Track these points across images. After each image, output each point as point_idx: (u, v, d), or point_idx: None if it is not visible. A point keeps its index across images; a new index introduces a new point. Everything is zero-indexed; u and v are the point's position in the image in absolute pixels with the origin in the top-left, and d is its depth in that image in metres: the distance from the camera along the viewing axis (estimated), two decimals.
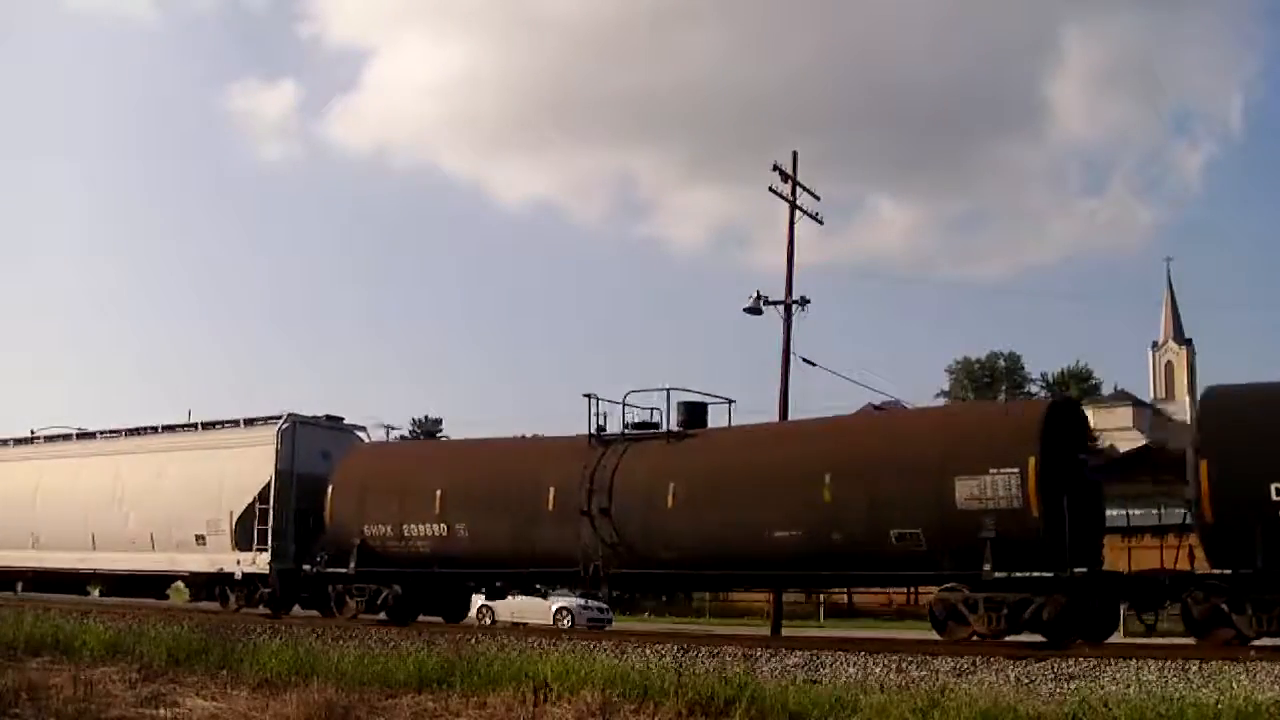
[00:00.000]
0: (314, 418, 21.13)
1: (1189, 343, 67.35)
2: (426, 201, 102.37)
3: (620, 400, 17.35)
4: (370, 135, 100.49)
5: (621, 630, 17.17)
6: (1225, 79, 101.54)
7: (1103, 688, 10.38)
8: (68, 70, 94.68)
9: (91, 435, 23.72)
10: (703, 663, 12.74)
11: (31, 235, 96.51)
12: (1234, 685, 9.99)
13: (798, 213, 26.72)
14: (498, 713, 9.34)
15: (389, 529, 18.32)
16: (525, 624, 21.37)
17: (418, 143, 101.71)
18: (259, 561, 19.39)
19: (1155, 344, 68.41)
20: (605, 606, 26.80)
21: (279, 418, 20.50)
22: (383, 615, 18.30)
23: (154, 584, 22.62)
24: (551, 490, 16.77)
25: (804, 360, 24.72)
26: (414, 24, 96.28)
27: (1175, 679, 10.76)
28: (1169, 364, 67.50)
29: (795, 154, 26.93)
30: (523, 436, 20.92)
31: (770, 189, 26.37)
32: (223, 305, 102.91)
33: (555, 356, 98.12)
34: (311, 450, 20.39)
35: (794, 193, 26.63)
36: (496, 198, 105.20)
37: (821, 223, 27.68)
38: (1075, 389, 62.13)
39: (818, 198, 27.29)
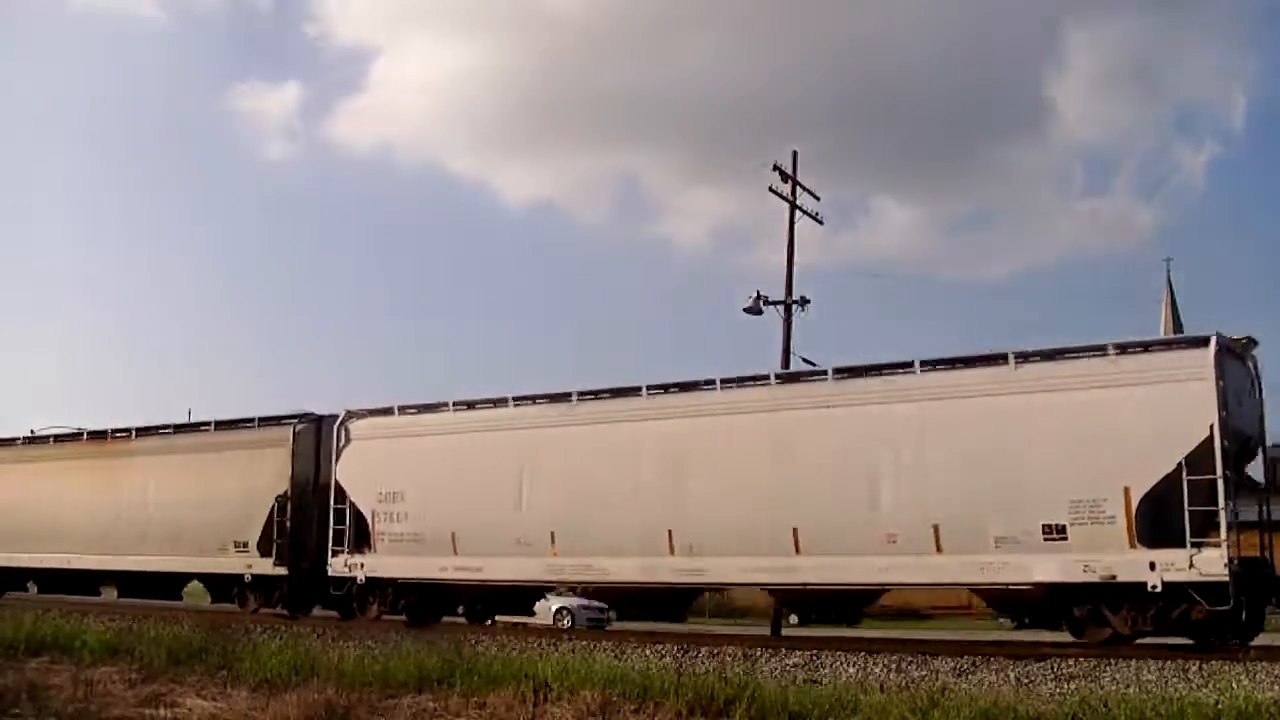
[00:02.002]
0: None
1: None
2: (429, 201, 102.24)
3: None
4: (374, 135, 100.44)
5: (621, 630, 17.18)
6: (1228, 79, 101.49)
7: (1103, 688, 10.38)
8: (72, 70, 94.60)
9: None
10: (703, 663, 12.74)
11: (33, 235, 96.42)
12: (1234, 685, 9.99)
13: (798, 213, 26.80)
14: (498, 713, 9.34)
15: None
16: (525, 624, 21.32)
17: (421, 143, 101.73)
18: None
19: None
20: (605, 606, 26.78)
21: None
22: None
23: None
24: None
25: (804, 360, 24.73)
26: (419, 24, 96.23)
27: (1175, 679, 10.76)
28: None
29: (795, 154, 27.02)
30: None
31: (770, 189, 26.43)
32: (224, 305, 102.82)
33: (555, 356, 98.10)
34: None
35: (794, 193, 26.67)
36: (500, 198, 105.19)
37: (822, 223, 27.76)
38: None
39: (818, 198, 27.36)
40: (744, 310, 26.16)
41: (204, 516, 20.33)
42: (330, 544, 18.78)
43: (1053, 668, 11.66)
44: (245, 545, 19.78)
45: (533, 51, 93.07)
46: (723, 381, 15.73)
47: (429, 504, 17.83)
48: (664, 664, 12.27)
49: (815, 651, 13.41)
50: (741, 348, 72.17)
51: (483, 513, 17.20)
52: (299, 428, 20.01)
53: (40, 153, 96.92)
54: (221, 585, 21.18)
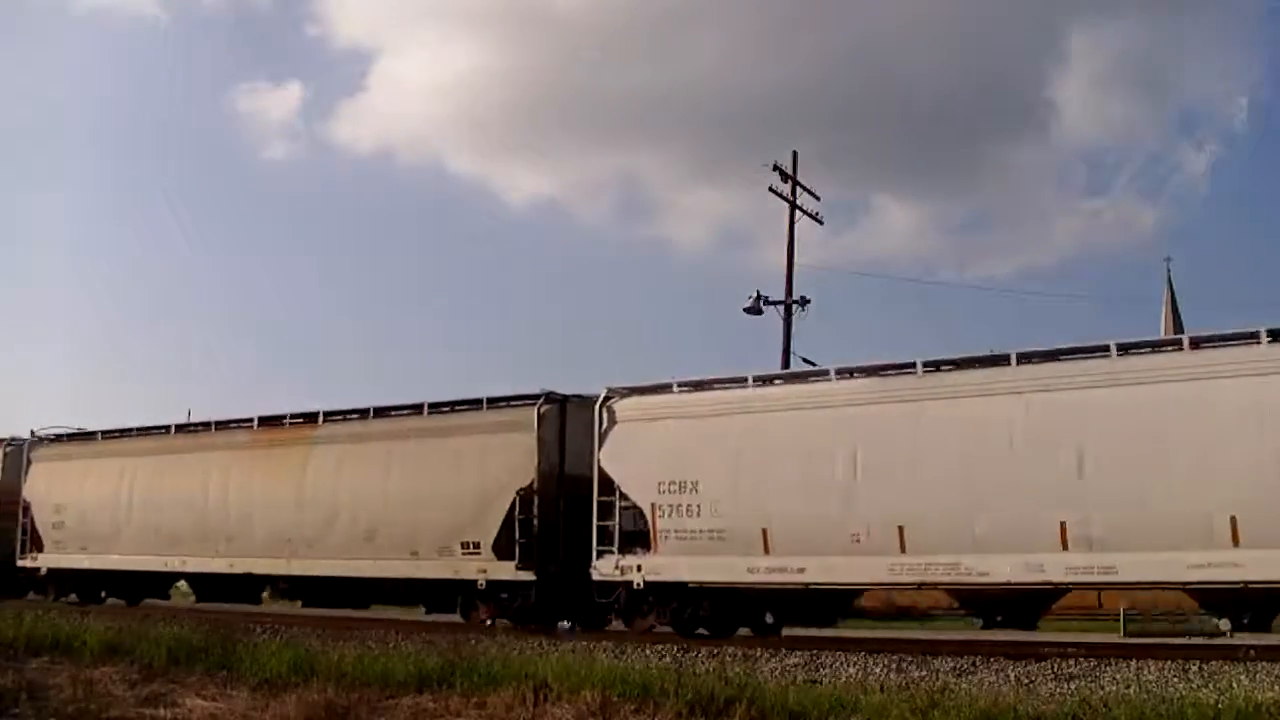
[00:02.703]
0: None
1: None
2: (430, 202, 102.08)
3: None
4: (375, 136, 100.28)
5: (621, 630, 17.14)
6: (1231, 80, 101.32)
7: (1103, 688, 10.37)
8: (73, 70, 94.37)
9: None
10: (703, 663, 12.73)
11: (33, 234, 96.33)
12: (1234, 685, 9.99)
13: (799, 213, 26.84)
14: (498, 713, 9.34)
15: None
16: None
17: (423, 143, 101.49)
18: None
19: None
20: None
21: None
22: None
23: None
24: None
25: (804, 360, 24.77)
26: (420, 24, 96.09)
27: (1175, 679, 10.76)
28: None
29: (795, 154, 27.14)
30: None
31: (770, 189, 26.50)
32: (224, 305, 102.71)
33: (557, 357, 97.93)
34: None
35: (794, 193, 26.75)
36: (502, 198, 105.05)
37: (822, 223, 27.89)
38: None
39: (818, 198, 27.47)
40: (744, 310, 26.24)
41: (417, 514, 17.80)
42: (595, 544, 16.28)
43: (1053, 668, 11.66)
44: (476, 547, 17.12)
45: (534, 51, 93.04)
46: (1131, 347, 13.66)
47: (732, 495, 15.31)
48: (664, 664, 12.27)
49: (815, 651, 13.42)
50: (743, 347, 72.19)
51: (803, 505, 14.77)
52: (544, 409, 17.17)
53: (41, 153, 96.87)
54: (440, 593, 18.37)
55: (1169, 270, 67.92)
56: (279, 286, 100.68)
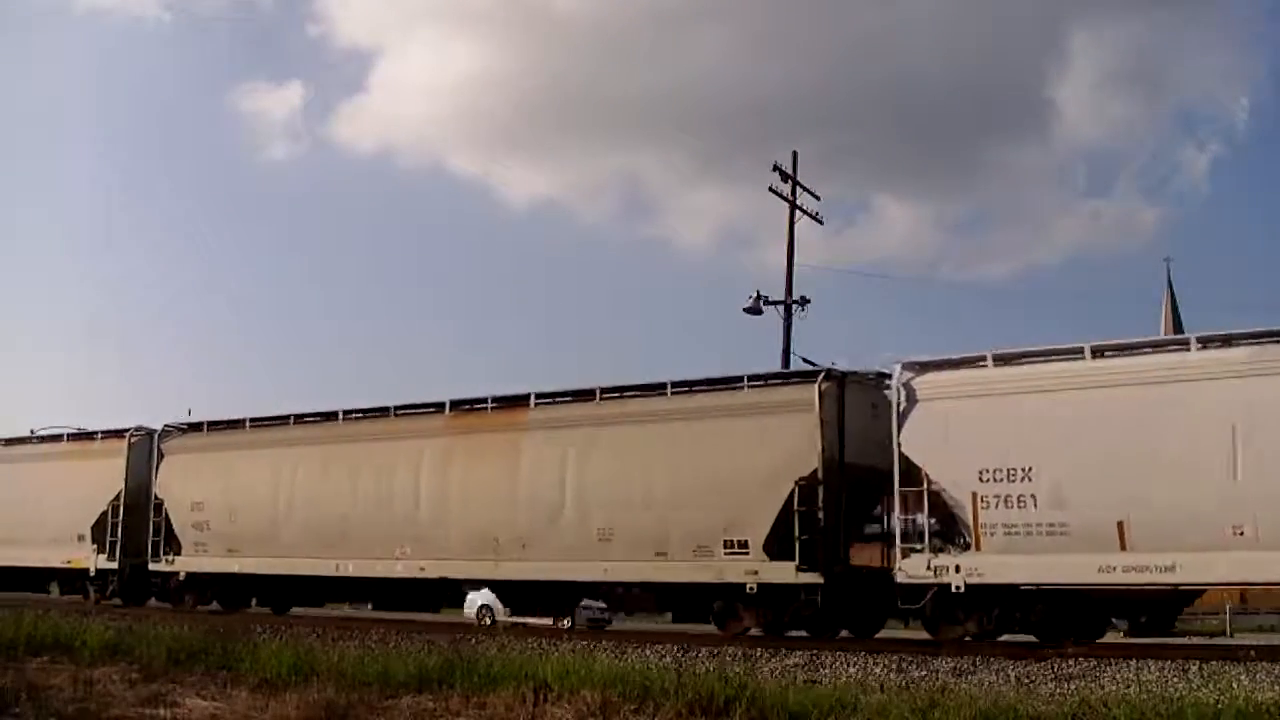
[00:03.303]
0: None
1: None
2: (431, 202, 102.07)
3: None
4: (376, 136, 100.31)
5: (621, 630, 17.12)
6: (1232, 80, 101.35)
7: (1103, 688, 10.38)
8: (76, 70, 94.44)
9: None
10: (703, 663, 12.72)
11: (35, 234, 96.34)
12: (1234, 685, 9.99)
13: (799, 212, 26.85)
14: (498, 713, 9.33)
15: None
16: (525, 624, 21.28)
17: (424, 143, 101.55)
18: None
19: None
20: (605, 606, 26.74)
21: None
22: None
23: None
24: None
25: (804, 360, 24.76)
26: (421, 24, 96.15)
27: (1175, 679, 10.77)
28: None
29: (795, 154, 27.15)
30: None
31: (770, 189, 26.50)
32: (225, 305, 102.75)
33: (557, 357, 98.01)
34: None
35: (794, 193, 26.76)
36: (503, 198, 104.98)
37: (822, 222, 27.92)
38: None
39: (818, 197, 27.50)
40: (744, 310, 26.26)
41: (667, 511, 15.90)
42: (898, 540, 14.74)
43: (1053, 668, 11.67)
44: (744, 545, 15.14)
45: (535, 51, 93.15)
46: None
47: (1076, 483, 13.47)
48: (664, 664, 12.26)
49: (815, 651, 13.42)
50: (744, 348, 72.21)
51: (1169, 493, 12.90)
52: (824, 385, 15.25)
53: (43, 152, 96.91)
54: (694, 599, 16.85)
55: (1169, 270, 67.79)
56: (280, 287, 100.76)
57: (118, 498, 22.56)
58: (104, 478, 22.73)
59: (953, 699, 8.83)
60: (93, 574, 22.68)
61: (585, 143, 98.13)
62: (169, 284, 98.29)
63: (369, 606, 23.10)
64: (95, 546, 22.55)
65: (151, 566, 21.85)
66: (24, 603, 19.18)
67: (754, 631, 15.69)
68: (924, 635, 15.49)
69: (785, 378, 16.39)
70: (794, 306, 26.27)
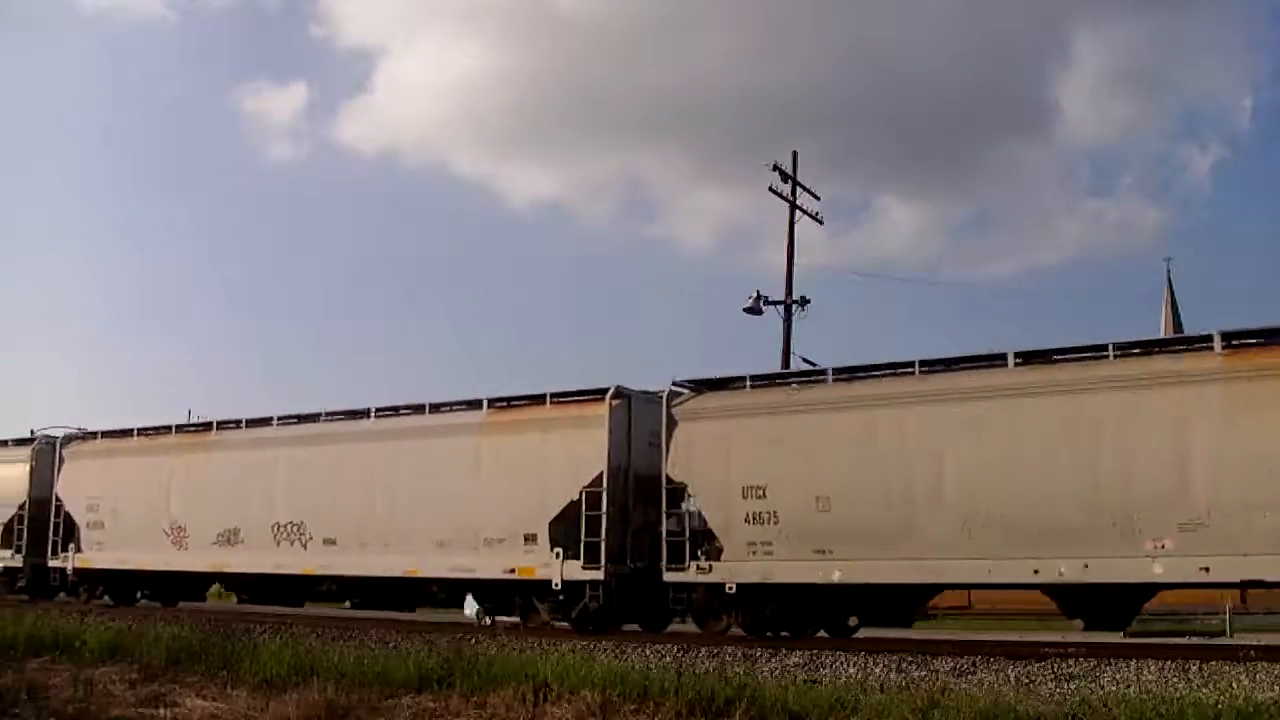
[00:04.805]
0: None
1: None
2: (434, 202, 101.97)
3: None
4: (379, 137, 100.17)
5: (621, 630, 17.12)
6: (1235, 80, 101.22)
7: (1103, 688, 10.38)
8: (80, 70, 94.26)
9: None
10: (703, 663, 12.73)
11: (36, 234, 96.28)
12: (1234, 685, 9.99)
13: (799, 213, 26.87)
14: (498, 713, 9.35)
15: None
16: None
17: (427, 144, 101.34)
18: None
19: None
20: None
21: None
22: None
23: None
24: None
25: (804, 360, 24.78)
26: (425, 25, 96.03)
27: (1175, 679, 10.76)
28: None
29: (795, 154, 27.14)
30: None
31: (770, 189, 26.50)
32: (226, 306, 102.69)
33: (558, 356, 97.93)
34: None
35: (794, 193, 26.76)
36: (506, 199, 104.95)
37: (822, 222, 27.90)
38: None
39: (818, 198, 27.48)
40: (744, 310, 26.26)
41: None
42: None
43: (1053, 668, 11.66)
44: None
45: (538, 52, 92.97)
46: None
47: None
48: (664, 664, 12.27)
49: (815, 651, 13.42)
50: (745, 348, 72.19)
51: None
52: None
53: (45, 151, 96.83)
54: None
55: (1169, 270, 67.85)
56: (281, 287, 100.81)
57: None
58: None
59: (953, 699, 8.84)
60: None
61: (587, 143, 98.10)
62: (170, 284, 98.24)
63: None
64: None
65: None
66: None
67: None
68: (922, 635, 15.58)
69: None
70: (794, 306, 26.27)
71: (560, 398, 17.49)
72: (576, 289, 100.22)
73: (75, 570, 22.61)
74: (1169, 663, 11.32)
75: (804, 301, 26.34)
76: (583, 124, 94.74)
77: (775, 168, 26.54)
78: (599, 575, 16.10)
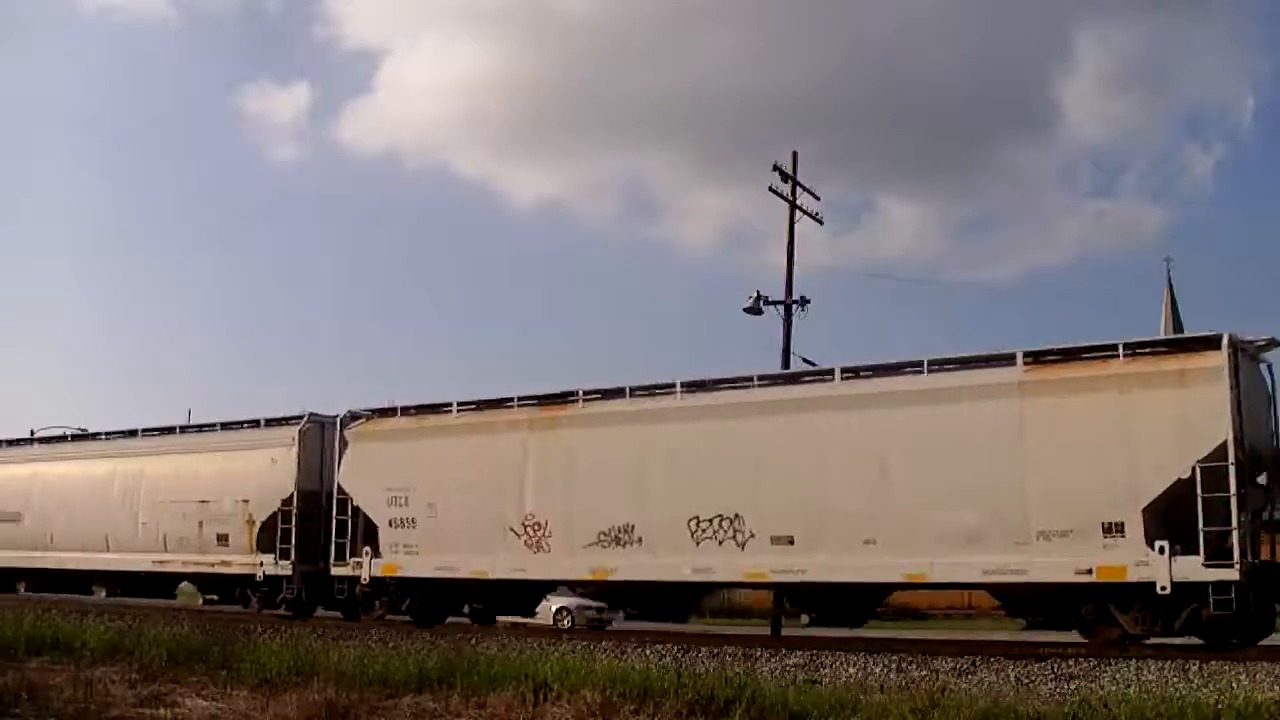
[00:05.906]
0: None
1: None
2: (435, 203, 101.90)
3: None
4: (382, 137, 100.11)
5: (621, 630, 17.14)
6: (1237, 80, 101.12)
7: (1103, 688, 10.38)
8: (83, 70, 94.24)
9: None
10: (703, 663, 12.74)
11: (37, 234, 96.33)
12: (1234, 685, 10.00)
13: (800, 213, 26.87)
14: (498, 713, 9.34)
15: None
16: (525, 624, 21.29)
17: (429, 145, 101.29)
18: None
19: None
20: (605, 606, 26.78)
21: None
22: None
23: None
24: None
25: (804, 360, 24.76)
26: (427, 26, 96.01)
27: (1175, 679, 10.77)
28: None
29: (795, 154, 27.07)
30: None
31: (770, 189, 26.47)
32: (227, 306, 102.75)
33: (558, 357, 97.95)
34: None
35: (794, 193, 26.72)
36: (507, 199, 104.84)
37: (822, 223, 27.85)
38: None
39: (818, 198, 27.43)
40: (744, 310, 26.25)
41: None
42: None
43: (1053, 668, 11.67)
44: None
45: (540, 53, 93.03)
46: None
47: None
48: (664, 664, 12.27)
49: (815, 651, 13.43)
50: (746, 348, 72.22)
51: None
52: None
53: (47, 151, 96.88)
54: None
55: (1169, 271, 67.85)
56: (282, 287, 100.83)
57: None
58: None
59: (953, 699, 8.84)
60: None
61: (588, 143, 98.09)
62: (171, 284, 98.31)
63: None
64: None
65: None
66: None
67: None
68: (922, 635, 15.54)
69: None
70: (794, 307, 26.25)
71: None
72: (577, 287, 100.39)
73: (371, 579, 19.15)
74: (1169, 663, 11.33)
75: (804, 301, 26.32)
76: (584, 124, 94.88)
77: (775, 168, 26.52)
78: None
